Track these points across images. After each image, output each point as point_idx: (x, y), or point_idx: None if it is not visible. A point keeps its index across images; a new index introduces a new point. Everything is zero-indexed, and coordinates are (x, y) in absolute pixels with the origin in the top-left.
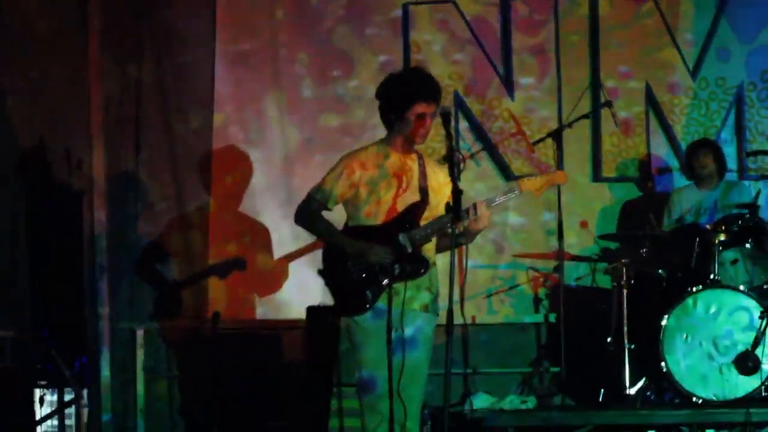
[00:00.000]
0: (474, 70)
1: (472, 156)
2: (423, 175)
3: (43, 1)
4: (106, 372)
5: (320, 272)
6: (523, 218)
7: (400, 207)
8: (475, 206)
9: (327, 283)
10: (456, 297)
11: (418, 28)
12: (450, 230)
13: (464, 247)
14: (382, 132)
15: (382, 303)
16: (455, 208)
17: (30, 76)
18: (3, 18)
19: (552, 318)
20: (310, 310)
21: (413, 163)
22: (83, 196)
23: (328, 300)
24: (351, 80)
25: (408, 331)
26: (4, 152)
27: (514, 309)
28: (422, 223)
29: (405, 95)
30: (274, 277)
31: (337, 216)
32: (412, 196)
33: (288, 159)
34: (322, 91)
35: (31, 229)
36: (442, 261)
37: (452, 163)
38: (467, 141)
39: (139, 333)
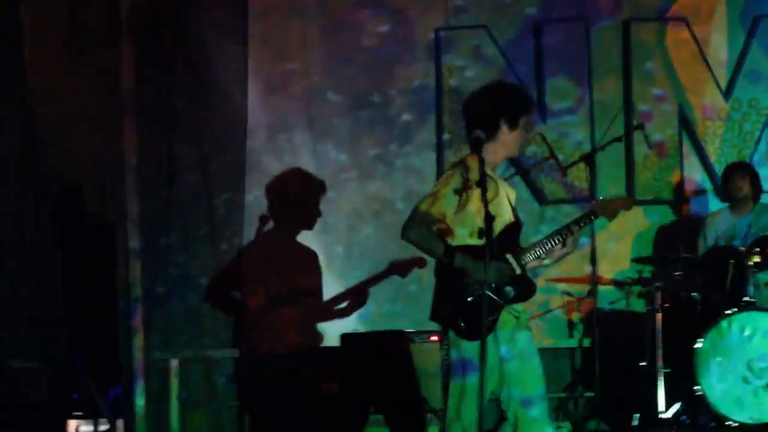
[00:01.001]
0: None
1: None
2: (506, 193)
3: (75, 35)
4: (140, 402)
5: (436, 293)
6: None
7: (496, 226)
8: (570, 230)
9: (442, 305)
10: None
11: (450, 53)
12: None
13: None
14: (416, 158)
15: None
16: (487, 233)
17: (64, 109)
18: (37, 53)
19: (586, 342)
20: (345, 337)
21: (495, 181)
22: (117, 227)
23: (361, 327)
24: (385, 106)
25: (513, 351)
26: (39, 186)
27: (549, 334)
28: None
29: (517, 107)
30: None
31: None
32: (505, 216)
33: None
34: (356, 118)
35: (66, 261)
36: None
37: (485, 189)
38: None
39: (174, 363)
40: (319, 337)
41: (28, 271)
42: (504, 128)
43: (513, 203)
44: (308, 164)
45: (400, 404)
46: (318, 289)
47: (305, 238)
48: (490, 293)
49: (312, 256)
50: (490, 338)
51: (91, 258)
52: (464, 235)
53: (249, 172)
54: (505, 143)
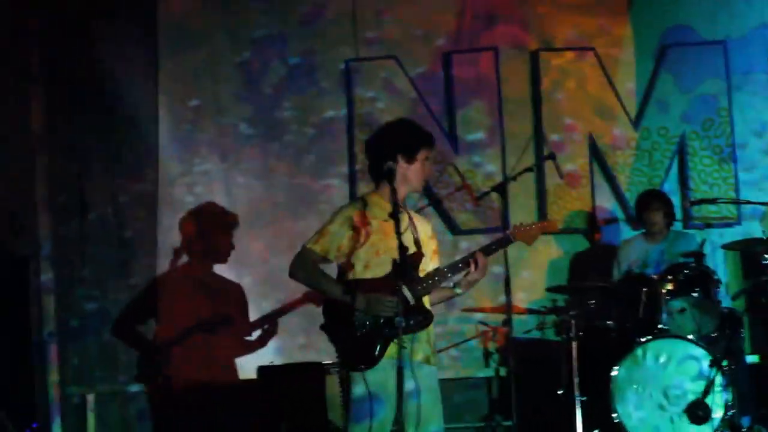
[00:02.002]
0: None
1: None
2: (413, 226)
3: None
4: None
5: (323, 327)
6: None
7: (398, 259)
8: (474, 256)
9: (331, 339)
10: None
11: (361, 84)
12: (444, 282)
13: None
14: (329, 190)
15: (387, 357)
16: (402, 265)
17: None
18: None
19: (503, 372)
20: (262, 369)
21: (404, 215)
22: (29, 260)
23: (277, 360)
24: (297, 138)
25: (410, 384)
26: None
27: (465, 364)
28: (420, 274)
29: (413, 141)
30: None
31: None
32: (408, 248)
33: None
34: (269, 150)
35: None
36: None
37: (397, 219)
38: (413, 197)
39: (90, 398)
40: (233, 369)
41: None
42: (401, 163)
43: (417, 235)
44: (221, 196)
45: None
46: (238, 320)
47: (219, 270)
48: (376, 325)
49: (232, 287)
50: (391, 368)
51: (2, 293)
52: (360, 270)
53: (161, 204)
54: (405, 177)
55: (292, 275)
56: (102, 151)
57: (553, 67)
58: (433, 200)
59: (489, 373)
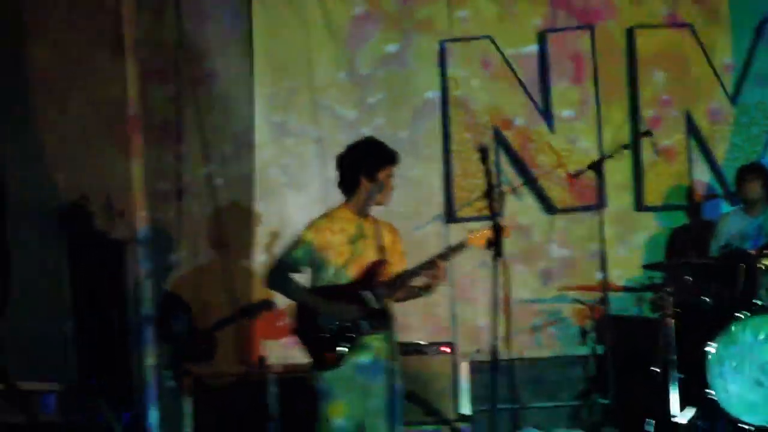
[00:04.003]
0: (513, 104)
1: (513, 190)
2: (379, 235)
3: (79, 51)
4: (154, 419)
5: (294, 331)
6: (567, 250)
7: (364, 266)
8: (434, 262)
9: (301, 342)
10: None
11: (456, 65)
12: (417, 282)
13: (508, 282)
14: (424, 171)
15: (359, 357)
16: (497, 244)
17: (69, 128)
18: (40, 70)
19: (599, 349)
20: None
21: (370, 225)
22: (126, 245)
23: None
24: (391, 120)
25: (379, 380)
26: (47, 206)
27: (561, 342)
28: (383, 279)
29: (375, 161)
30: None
31: None
32: (373, 256)
33: (329, 202)
34: (364, 131)
35: (76, 282)
36: (487, 297)
37: (491, 198)
38: (508, 175)
39: (186, 381)
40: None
41: (38, 290)
42: (364, 181)
43: (382, 242)
44: (315, 179)
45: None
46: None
47: None
48: (340, 328)
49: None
50: (350, 369)
51: (100, 276)
52: (330, 277)
53: (257, 186)
54: (369, 194)
55: (265, 285)
56: (198, 131)
57: (649, 42)
58: (529, 178)
59: (586, 351)
